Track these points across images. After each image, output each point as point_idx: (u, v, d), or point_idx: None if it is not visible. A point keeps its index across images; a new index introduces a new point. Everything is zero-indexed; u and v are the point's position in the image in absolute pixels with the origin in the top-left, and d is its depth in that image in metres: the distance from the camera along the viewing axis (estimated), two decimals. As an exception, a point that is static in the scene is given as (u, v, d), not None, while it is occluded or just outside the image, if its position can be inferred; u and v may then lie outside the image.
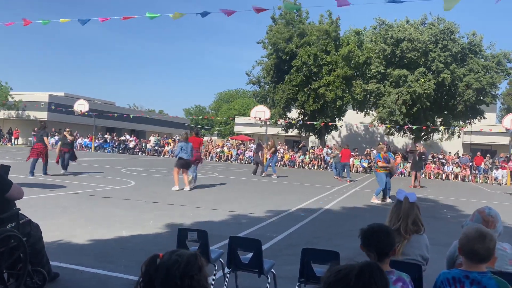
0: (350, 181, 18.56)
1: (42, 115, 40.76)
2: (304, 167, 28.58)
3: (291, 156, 29.62)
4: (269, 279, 3.77)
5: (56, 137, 28.36)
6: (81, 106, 34.27)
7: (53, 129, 38.75)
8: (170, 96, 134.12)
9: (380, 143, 14.19)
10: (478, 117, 30.52)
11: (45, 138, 13.37)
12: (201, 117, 60.93)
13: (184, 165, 11.82)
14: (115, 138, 36.44)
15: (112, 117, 41.50)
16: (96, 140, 35.36)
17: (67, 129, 15.46)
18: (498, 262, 2.68)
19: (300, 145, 32.24)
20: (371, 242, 2.35)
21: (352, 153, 29.24)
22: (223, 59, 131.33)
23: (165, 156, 31.45)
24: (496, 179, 24.68)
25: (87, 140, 36.21)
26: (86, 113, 34.39)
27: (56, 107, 39.38)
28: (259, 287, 4.03)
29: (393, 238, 2.39)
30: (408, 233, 3.03)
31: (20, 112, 41.09)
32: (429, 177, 25.82)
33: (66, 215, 7.43)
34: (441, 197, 14.47)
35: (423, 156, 19.46)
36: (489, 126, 33.25)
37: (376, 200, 11.68)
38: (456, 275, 2.26)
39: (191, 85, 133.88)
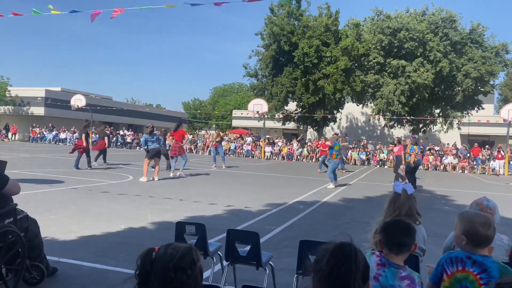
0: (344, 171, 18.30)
1: (39, 110, 40.65)
2: (302, 160, 28.61)
3: (289, 149, 29.64)
4: (267, 271, 3.79)
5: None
6: (78, 101, 34.09)
7: (50, 124, 38.68)
8: (167, 91, 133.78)
9: (335, 134, 14.79)
10: (476, 108, 30.54)
11: (83, 135, 15.45)
12: (198, 111, 60.83)
13: (154, 155, 12.55)
14: (112, 132, 36.36)
15: (110, 111, 41.41)
16: (94, 135, 35.26)
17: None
18: (495, 252, 2.69)
19: (299, 138, 32.24)
20: (390, 235, 2.28)
21: (351, 146, 29.36)
22: (218, 53, 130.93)
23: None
24: (493, 169, 24.79)
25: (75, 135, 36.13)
26: (84, 107, 34.27)
27: (53, 102, 39.24)
28: (257, 279, 4.04)
29: (413, 234, 2.31)
30: None
31: (17, 107, 40.94)
32: (427, 169, 25.89)
33: (64, 210, 7.43)
34: (439, 188, 14.52)
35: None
36: (487, 117, 33.30)
37: None
38: (459, 255, 2.28)
39: (187, 80, 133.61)
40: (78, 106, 33.90)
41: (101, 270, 4.46)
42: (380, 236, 2.31)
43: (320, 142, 21.77)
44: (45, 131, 37.74)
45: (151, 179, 12.41)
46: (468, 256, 2.25)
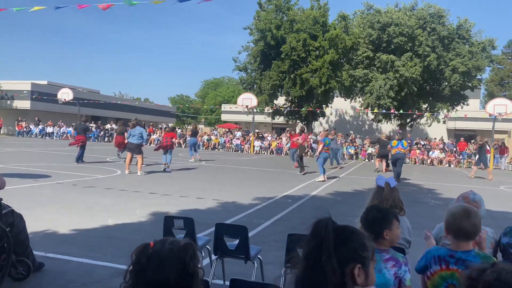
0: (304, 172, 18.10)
1: (24, 104, 40.03)
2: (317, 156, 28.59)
3: (279, 143, 29.68)
4: (256, 265, 3.80)
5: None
6: (65, 94, 33.66)
7: (36, 118, 38.12)
8: (156, 84, 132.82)
9: (325, 130, 15.22)
10: (462, 103, 30.90)
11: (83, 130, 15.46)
12: (187, 105, 60.49)
13: (130, 149, 12.59)
14: (100, 126, 36.02)
15: (97, 105, 40.94)
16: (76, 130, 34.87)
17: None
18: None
19: (287, 132, 32.32)
20: (367, 223, 2.38)
21: (339, 140, 29.51)
22: (208, 46, 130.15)
23: (152, 144, 31.24)
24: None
25: (71, 129, 35.69)
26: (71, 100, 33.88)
27: (39, 95, 38.66)
28: (246, 273, 4.06)
29: (390, 221, 2.41)
30: None
31: (1, 101, 40.25)
32: (415, 163, 26.18)
33: (50, 205, 7.35)
34: (426, 182, 14.70)
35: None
36: (473, 112, 33.72)
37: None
38: (442, 254, 2.31)
39: (176, 73, 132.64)
40: (65, 99, 33.48)
41: (89, 265, 4.43)
42: (361, 224, 2.39)
43: (290, 134, 21.39)
44: (32, 125, 37.23)
45: (138, 173, 12.35)
46: (450, 254, 2.28)
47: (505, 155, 25.85)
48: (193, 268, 1.46)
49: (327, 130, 15.38)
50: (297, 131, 16.46)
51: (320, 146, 13.69)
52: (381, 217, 2.39)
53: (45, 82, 44.06)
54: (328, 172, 15.48)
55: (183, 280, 1.42)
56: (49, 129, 36.16)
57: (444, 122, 31.91)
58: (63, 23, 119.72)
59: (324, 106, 31.62)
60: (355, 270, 1.36)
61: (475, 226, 2.27)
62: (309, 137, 17.29)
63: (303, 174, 14.78)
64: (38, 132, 36.22)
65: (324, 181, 13.07)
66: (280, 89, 31.83)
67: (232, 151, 30.01)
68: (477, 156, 18.09)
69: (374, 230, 2.35)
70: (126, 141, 14.91)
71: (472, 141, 28.60)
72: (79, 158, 15.00)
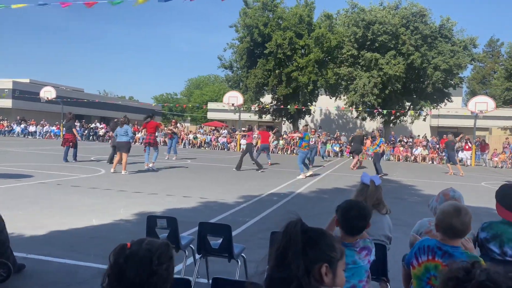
0: (271, 164, 17.94)
1: (6, 103, 39.29)
2: (277, 152, 28.76)
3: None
4: (239, 263, 3.81)
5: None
6: (47, 93, 33.14)
7: (18, 117, 37.46)
8: (141, 83, 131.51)
9: (305, 125, 15.74)
10: (445, 100, 31.38)
11: (74, 130, 15.29)
12: (172, 104, 60.08)
13: (120, 148, 12.49)
14: (84, 125, 35.56)
15: (81, 104, 40.43)
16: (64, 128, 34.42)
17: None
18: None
19: (274, 130, 32.38)
20: (345, 218, 2.43)
21: (323, 138, 29.74)
22: (192, 44, 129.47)
23: (137, 143, 30.99)
24: (461, 160, 25.59)
25: (54, 128, 35.19)
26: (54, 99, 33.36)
27: (21, 94, 37.98)
28: (230, 271, 4.07)
29: (368, 216, 2.47)
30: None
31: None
32: (398, 160, 26.50)
33: (32, 205, 7.25)
34: (409, 179, 14.90)
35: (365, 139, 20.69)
36: (455, 109, 34.28)
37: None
38: (432, 244, 2.35)
39: (161, 71, 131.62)
40: (48, 98, 32.97)
41: (71, 266, 4.38)
42: (337, 217, 2.45)
43: (260, 130, 21.37)
44: (14, 124, 36.57)
45: (122, 172, 12.24)
46: (439, 246, 2.32)
47: (486, 151, 26.36)
48: (167, 269, 1.47)
49: (306, 125, 15.55)
50: (256, 129, 16.64)
51: (304, 144, 13.79)
52: (363, 216, 2.44)
53: (27, 80, 43.33)
54: (313, 170, 15.58)
55: (159, 280, 1.43)
56: (32, 128, 35.57)
57: (424, 120, 32.35)
58: (45, 20, 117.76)
59: (309, 104, 31.77)
60: (322, 269, 1.41)
61: (465, 224, 2.30)
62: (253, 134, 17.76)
63: (261, 171, 14.76)
64: (20, 131, 35.61)
65: (304, 178, 13.21)
66: (265, 87, 31.86)
67: (219, 149, 29.95)
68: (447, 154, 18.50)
69: (353, 231, 2.43)
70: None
71: (456, 138, 29.08)
72: (75, 156, 15.30)
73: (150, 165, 13.62)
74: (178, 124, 34.39)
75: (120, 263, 1.44)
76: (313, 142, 17.40)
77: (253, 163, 15.15)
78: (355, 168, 17.60)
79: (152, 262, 1.43)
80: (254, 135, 17.44)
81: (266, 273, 1.47)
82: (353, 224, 2.42)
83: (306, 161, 17.15)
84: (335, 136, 30.63)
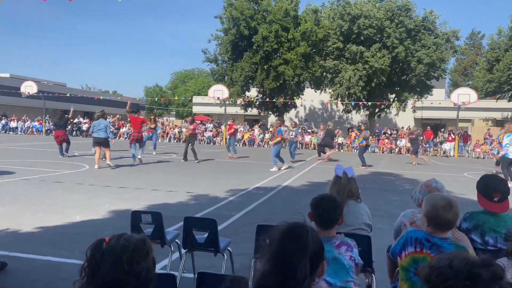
0: (237, 157, 17.81)
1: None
2: (264, 146, 28.78)
3: (251, 135, 29.72)
4: (225, 257, 3.81)
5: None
6: (28, 88, 32.49)
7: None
8: (124, 77, 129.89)
9: (278, 119, 15.86)
10: (427, 93, 31.75)
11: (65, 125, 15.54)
12: (156, 99, 59.52)
13: (99, 143, 12.40)
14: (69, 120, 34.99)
15: (63, 98, 39.72)
16: (47, 123, 33.83)
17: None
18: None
19: (260, 124, 32.39)
20: (317, 212, 2.48)
21: (309, 130, 29.88)
22: (176, 38, 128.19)
23: (121, 138, 30.66)
24: (445, 151, 26.01)
25: (36, 124, 34.56)
26: (35, 94, 32.74)
27: (1, 89, 37.16)
28: (216, 265, 4.06)
29: (339, 208, 2.52)
30: (345, 203, 3.25)
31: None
32: (383, 152, 26.78)
33: (14, 202, 7.11)
34: (394, 170, 15.07)
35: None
36: (438, 101, 34.71)
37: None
38: (419, 236, 2.37)
39: (145, 65, 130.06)
40: (29, 93, 32.35)
41: (55, 263, 4.32)
42: (311, 212, 2.51)
43: (229, 123, 21.26)
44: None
45: (107, 162, 12.26)
46: (427, 238, 2.34)
47: (468, 143, 26.82)
48: (143, 265, 1.45)
49: (279, 120, 15.60)
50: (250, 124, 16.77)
51: (279, 138, 13.82)
52: (332, 208, 2.49)
53: (7, 75, 42.39)
54: (298, 164, 15.65)
55: (132, 276, 1.42)
56: (13, 124, 34.87)
57: (414, 111, 32.69)
58: (25, 13, 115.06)
59: (295, 97, 31.81)
60: (324, 266, 1.54)
61: (456, 216, 2.34)
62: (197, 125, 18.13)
63: (197, 162, 15.09)
64: (1, 128, 34.89)
65: (277, 171, 13.27)
66: (252, 81, 31.75)
67: (204, 143, 29.84)
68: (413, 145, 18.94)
69: (325, 224, 2.46)
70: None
71: (442, 130, 29.53)
72: (67, 150, 15.31)
73: (138, 157, 13.70)
74: (163, 119, 34.10)
75: (96, 258, 1.42)
76: (293, 136, 17.42)
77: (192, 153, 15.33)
78: (326, 159, 17.66)
79: (126, 258, 1.42)
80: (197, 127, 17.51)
81: (260, 271, 1.49)
82: (323, 216, 2.46)
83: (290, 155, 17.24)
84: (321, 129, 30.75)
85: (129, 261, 1.42)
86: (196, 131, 17.68)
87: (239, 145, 28.78)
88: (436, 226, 2.32)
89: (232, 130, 18.42)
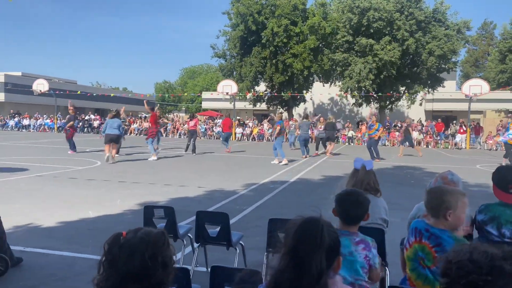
0: (230, 152, 17.85)
1: (-1, 96, 38.93)
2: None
3: (260, 129, 29.68)
4: (238, 250, 3.81)
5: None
6: (40, 85, 32.82)
7: (11, 111, 37.14)
8: (134, 73, 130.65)
9: (280, 113, 15.83)
10: (438, 85, 31.38)
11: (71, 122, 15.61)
12: (167, 95, 59.73)
13: (111, 140, 12.74)
14: (78, 117, 35.31)
15: (75, 96, 40.07)
16: (59, 121, 34.20)
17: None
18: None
19: (268, 118, 32.30)
20: (340, 208, 2.43)
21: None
22: (184, 33, 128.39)
23: (131, 134, 30.86)
24: (456, 143, 25.71)
25: (48, 121, 34.95)
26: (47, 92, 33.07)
27: (13, 87, 37.62)
28: (229, 259, 4.07)
29: (363, 205, 2.45)
30: None
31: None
32: (393, 145, 26.57)
33: (29, 198, 7.21)
34: (406, 163, 14.94)
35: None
36: (449, 93, 34.28)
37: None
38: (419, 226, 2.39)
39: (155, 62, 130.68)
40: (40, 91, 32.67)
41: (69, 258, 4.37)
42: (335, 207, 2.45)
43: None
44: (7, 118, 36.28)
45: (113, 162, 12.56)
46: (426, 228, 2.33)
47: (480, 135, 26.48)
48: (165, 257, 1.44)
49: (281, 113, 15.63)
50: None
51: (278, 129, 13.78)
52: (358, 204, 2.43)
53: (19, 73, 42.86)
54: (308, 158, 15.59)
55: (155, 269, 1.41)
56: (26, 122, 35.30)
57: (420, 104, 32.34)
58: (35, 12, 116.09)
59: (304, 91, 31.67)
60: (339, 261, 1.52)
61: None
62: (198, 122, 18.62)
63: (194, 155, 16.00)
64: (14, 125, 35.35)
65: (287, 164, 13.39)
66: (261, 75, 31.68)
67: (214, 138, 29.90)
68: (404, 137, 18.78)
69: (349, 219, 2.42)
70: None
71: (454, 122, 29.17)
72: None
73: (157, 151, 14.13)
74: (173, 115, 34.20)
75: (114, 252, 1.42)
76: (292, 128, 17.56)
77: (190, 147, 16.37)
78: (328, 153, 17.52)
79: (147, 251, 1.41)
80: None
81: (275, 267, 1.48)
82: (349, 212, 2.41)
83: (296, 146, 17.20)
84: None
85: (150, 254, 1.42)
86: (198, 126, 18.39)
87: (249, 140, 28.80)
88: (433, 215, 2.34)
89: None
